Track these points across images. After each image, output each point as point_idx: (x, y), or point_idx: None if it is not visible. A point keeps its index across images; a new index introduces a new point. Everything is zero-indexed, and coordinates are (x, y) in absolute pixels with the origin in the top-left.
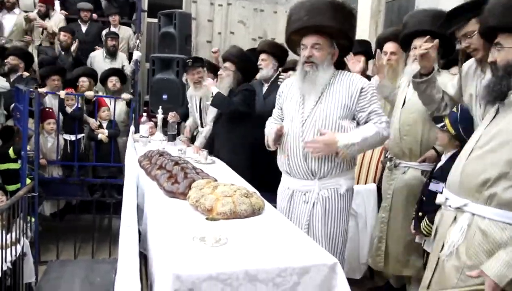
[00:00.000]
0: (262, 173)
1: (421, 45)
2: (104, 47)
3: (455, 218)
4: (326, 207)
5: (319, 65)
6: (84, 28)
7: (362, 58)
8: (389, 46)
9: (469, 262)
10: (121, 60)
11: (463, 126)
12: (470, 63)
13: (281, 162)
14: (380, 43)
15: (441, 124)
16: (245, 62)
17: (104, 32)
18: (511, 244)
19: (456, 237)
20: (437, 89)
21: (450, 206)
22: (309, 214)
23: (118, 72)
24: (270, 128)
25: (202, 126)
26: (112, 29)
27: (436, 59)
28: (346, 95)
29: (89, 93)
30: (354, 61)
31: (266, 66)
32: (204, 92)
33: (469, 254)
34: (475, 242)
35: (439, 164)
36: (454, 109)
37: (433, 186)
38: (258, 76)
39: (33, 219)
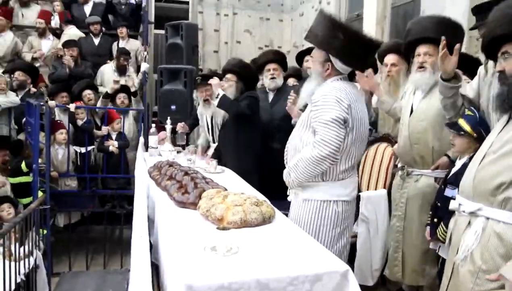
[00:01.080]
0: (270, 180)
1: (425, 52)
2: (114, 63)
3: (469, 223)
4: (292, 215)
5: (310, 75)
6: (96, 41)
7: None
8: (390, 58)
9: (484, 266)
10: (129, 73)
11: (484, 128)
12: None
13: None
14: (381, 56)
15: (456, 128)
16: (246, 71)
17: (114, 46)
18: None
19: (471, 241)
20: (459, 95)
21: (464, 211)
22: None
23: (125, 89)
24: None
25: (214, 142)
26: (121, 42)
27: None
28: (309, 106)
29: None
30: (364, 80)
31: (278, 75)
32: (213, 110)
33: (484, 258)
34: (490, 245)
35: (454, 169)
36: (469, 112)
37: (448, 192)
38: (268, 85)
39: (45, 231)
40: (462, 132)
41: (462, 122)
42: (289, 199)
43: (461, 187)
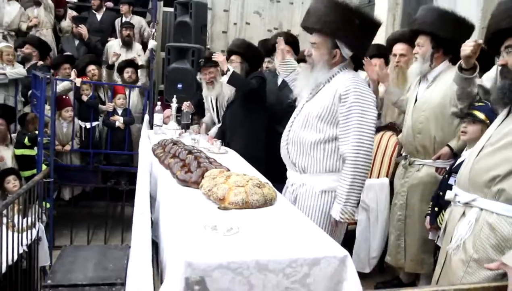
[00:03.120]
0: (275, 164)
1: (417, 43)
2: (120, 37)
3: (463, 213)
4: (300, 202)
5: (315, 65)
6: (99, 17)
7: (378, 62)
8: (398, 48)
9: (476, 255)
10: (136, 50)
11: (496, 116)
12: None
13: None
14: (390, 45)
15: (470, 117)
16: (250, 52)
17: (117, 22)
18: None
19: (464, 231)
20: (474, 85)
21: (459, 202)
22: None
23: (133, 64)
24: None
25: (219, 122)
26: (124, 18)
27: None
28: (330, 97)
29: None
30: (372, 68)
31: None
32: (218, 91)
33: (476, 247)
34: (483, 235)
35: (460, 159)
36: (481, 103)
37: (453, 180)
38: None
39: (48, 204)
40: (477, 120)
41: (476, 112)
42: (291, 189)
43: (458, 178)
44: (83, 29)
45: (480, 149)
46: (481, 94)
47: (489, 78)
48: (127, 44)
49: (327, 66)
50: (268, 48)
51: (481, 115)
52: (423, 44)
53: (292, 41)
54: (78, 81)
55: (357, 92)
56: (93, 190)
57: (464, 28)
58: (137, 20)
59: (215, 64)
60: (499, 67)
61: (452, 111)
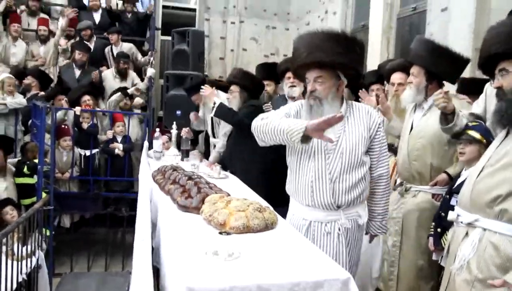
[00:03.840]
0: (275, 189)
1: (412, 72)
2: (114, 68)
3: (466, 234)
4: (348, 237)
5: (322, 99)
6: (91, 46)
7: (375, 88)
8: (396, 77)
9: (481, 275)
10: (132, 78)
11: (492, 138)
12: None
13: (302, 193)
14: (388, 74)
15: (466, 137)
16: (248, 80)
17: (107, 50)
18: None
19: (467, 251)
20: (459, 125)
21: (461, 222)
22: (335, 245)
23: (126, 91)
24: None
25: (214, 137)
26: (114, 47)
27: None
28: (365, 128)
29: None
30: (368, 98)
31: (298, 83)
32: (203, 102)
33: (480, 267)
34: (486, 255)
35: (460, 179)
36: (474, 123)
37: (454, 201)
38: (287, 93)
39: (48, 232)
40: (473, 140)
41: (471, 132)
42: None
43: (460, 198)
44: (96, 77)
45: (480, 170)
46: (471, 120)
47: (478, 105)
48: (122, 74)
49: (336, 98)
50: (275, 73)
51: (476, 135)
52: (417, 75)
53: None
54: (77, 109)
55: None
56: (93, 217)
57: (458, 62)
58: (127, 47)
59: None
60: (494, 90)
61: (448, 139)
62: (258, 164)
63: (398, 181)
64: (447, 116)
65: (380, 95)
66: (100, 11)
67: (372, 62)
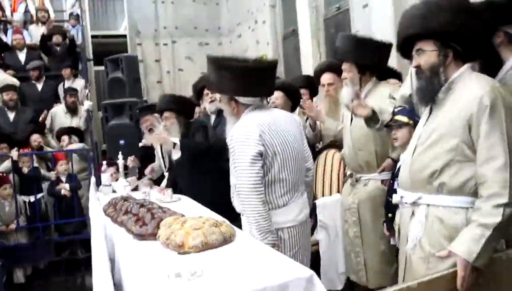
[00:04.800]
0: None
1: (344, 68)
2: (64, 104)
3: (413, 213)
4: None
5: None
6: (39, 86)
7: (306, 93)
8: (326, 78)
9: (433, 250)
10: (82, 114)
11: (418, 117)
12: None
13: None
14: (317, 77)
15: (394, 123)
16: (181, 104)
17: (60, 88)
18: (470, 223)
19: (417, 229)
20: (387, 113)
21: (406, 203)
22: None
23: (75, 130)
24: None
25: (166, 170)
26: (66, 82)
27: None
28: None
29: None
30: (311, 107)
31: (216, 98)
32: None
33: (432, 243)
34: (435, 230)
35: (399, 163)
36: (399, 107)
37: (397, 185)
38: (209, 109)
39: None
40: (402, 124)
41: (398, 117)
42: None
43: (400, 180)
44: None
45: (413, 149)
46: (402, 102)
47: (407, 86)
48: (72, 110)
49: (233, 117)
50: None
51: (404, 119)
52: (350, 70)
53: None
54: (14, 155)
55: (231, 137)
56: (48, 266)
57: (383, 49)
58: (80, 83)
59: (152, 111)
60: (413, 70)
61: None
62: (210, 179)
63: (348, 173)
64: (372, 117)
65: (307, 101)
66: (24, 50)
67: (305, 64)
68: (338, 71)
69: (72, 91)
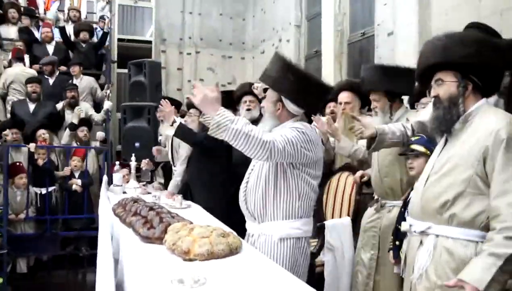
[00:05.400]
0: (238, 211)
1: (373, 98)
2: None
3: (421, 242)
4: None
5: (263, 116)
6: (51, 81)
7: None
8: (344, 96)
9: (439, 281)
10: (85, 109)
11: (435, 145)
12: None
13: None
14: (335, 94)
15: (411, 152)
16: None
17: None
18: (481, 253)
19: (424, 259)
20: (391, 133)
21: (415, 232)
22: None
23: (87, 123)
24: None
25: (174, 165)
26: (75, 80)
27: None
28: None
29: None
30: (321, 124)
31: (254, 107)
32: (165, 127)
33: (438, 273)
34: (442, 261)
35: (411, 192)
36: (416, 137)
37: (407, 213)
38: (244, 116)
39: (1, 279)
40: (418, 154)
41: (414, 146)
42: (252, 239)
43: (410, 208)
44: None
45: (426, 178)
46: (418, 129)
47: (426, 113)
48: (71, 105)
49: (273, 117)
50: (231, 100)
51: (421, 149)
52: (379, 99)
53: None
54: (32, 146)
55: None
56: (52, 259)
57: (408, 75)
58: (87, 81)
59: (176, 105)
60: (432, 99)
61: None
62: (220, 185)
63: (375, 197)
64: (371, 140)
65: (327, 117)
66: (53, 43)
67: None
68: (356, 91)
69: (71, 86)
